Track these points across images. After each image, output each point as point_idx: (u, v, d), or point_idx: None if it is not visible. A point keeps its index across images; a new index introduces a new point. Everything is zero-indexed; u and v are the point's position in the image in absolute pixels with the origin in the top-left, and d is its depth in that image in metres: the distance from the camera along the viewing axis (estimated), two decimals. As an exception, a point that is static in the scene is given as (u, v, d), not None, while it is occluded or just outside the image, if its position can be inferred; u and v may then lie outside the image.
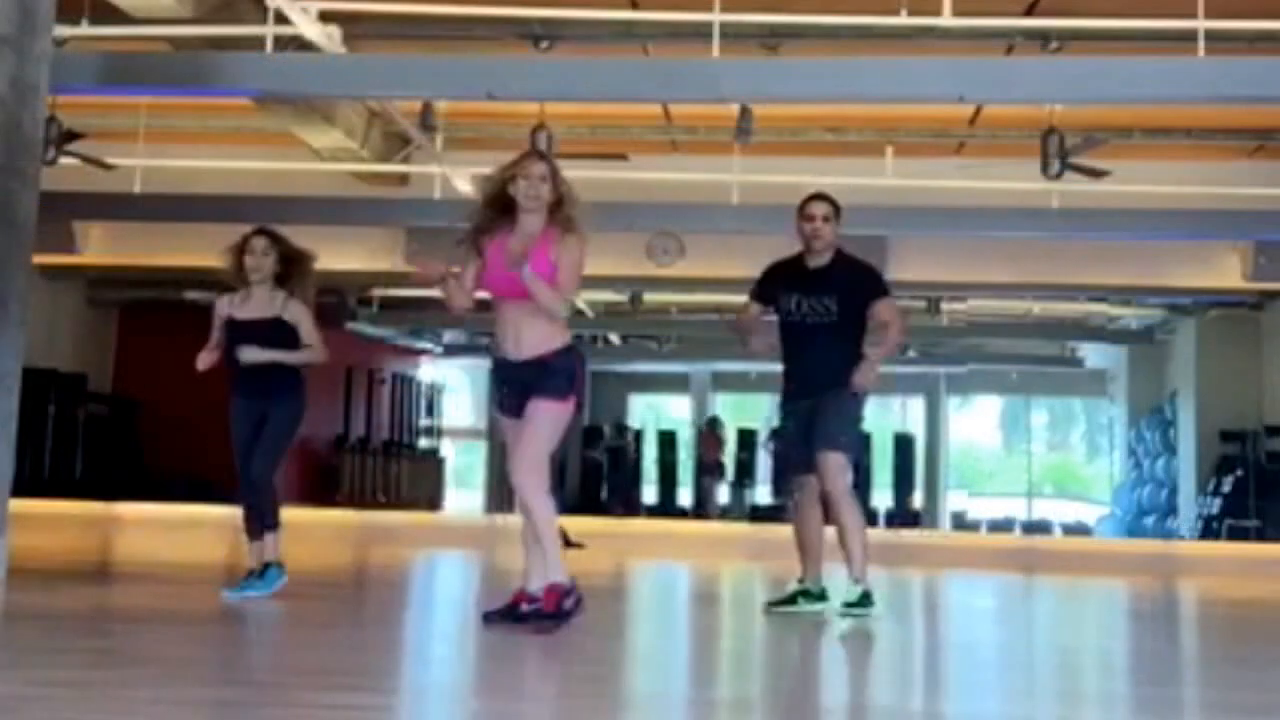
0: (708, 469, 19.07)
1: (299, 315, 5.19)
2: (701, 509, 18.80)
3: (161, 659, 3.70)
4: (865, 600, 5.10)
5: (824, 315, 5.19)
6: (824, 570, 5.33)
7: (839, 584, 5.26)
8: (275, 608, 5.04)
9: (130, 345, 14.65)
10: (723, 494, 19.24)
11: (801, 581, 5.30)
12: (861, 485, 19.36)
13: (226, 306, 5.23)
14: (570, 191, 4.40)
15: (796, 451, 5.31)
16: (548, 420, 4.24)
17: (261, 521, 5.17)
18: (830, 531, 5.33)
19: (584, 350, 20.74)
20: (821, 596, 5.27)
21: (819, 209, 5.22)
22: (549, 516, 4.26)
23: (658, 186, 10.11)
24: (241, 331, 5.15)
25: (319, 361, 5.24)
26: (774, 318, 5.38)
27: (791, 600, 5.29)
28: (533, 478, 4.21)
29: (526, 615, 4.37)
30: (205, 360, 5.17)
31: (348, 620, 5.05)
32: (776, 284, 5.32)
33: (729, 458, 19.44)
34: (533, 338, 4.32)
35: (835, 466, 5.14)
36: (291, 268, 5.23)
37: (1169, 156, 10.60)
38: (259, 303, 5.19)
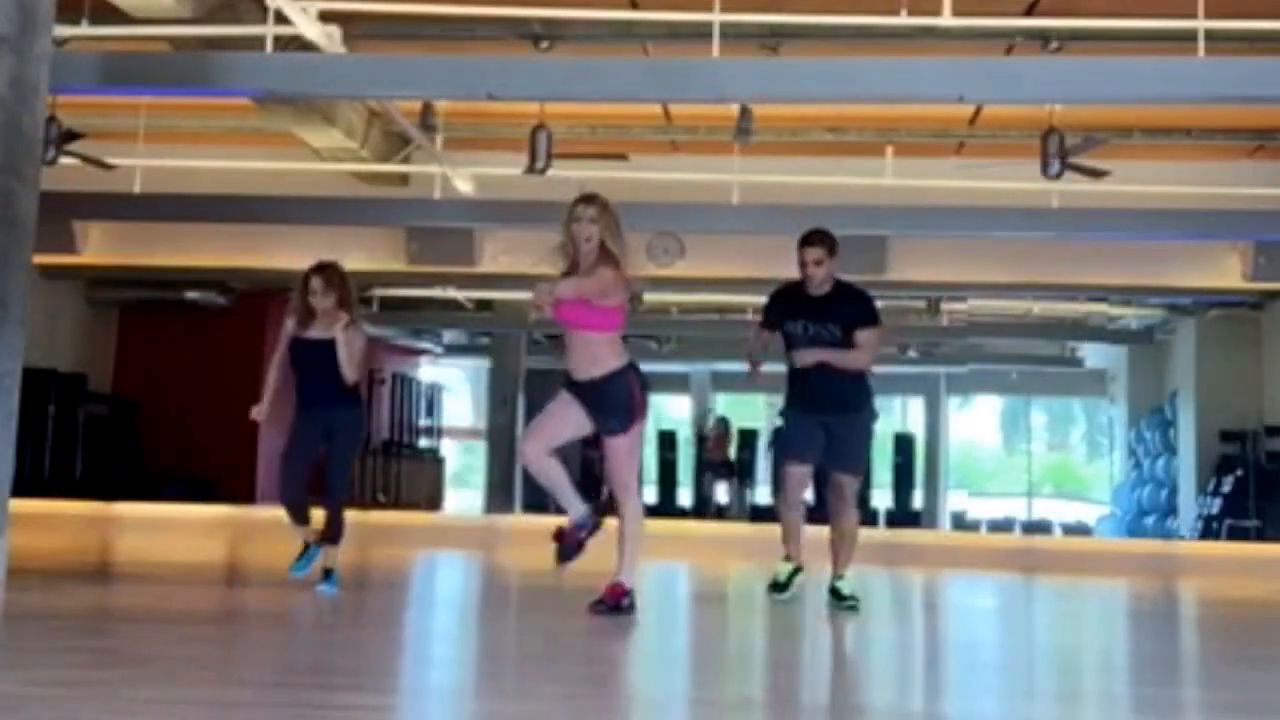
0: (714, 468, 19.05)
1: (349, 340, 5.62)
2: (705, 509, 18.77)
3: (161, 659, 3.71)
4: (855, 596, 5.53)
5: (829, 340, 5.58)
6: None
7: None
8: (275, 608, 5.04)
9: (130, 345, 14.62)
10: (722, 493, 19.21)
11: (790, 559, 5.74)
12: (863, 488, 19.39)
13: (294, 328, 5.68)
14: (613, 224, 4.89)
15: (797, 442, 5.70)
16: (624, 451, 4.99)
17: (331, 535, 5.62)
18: (810, 530, 5.84)
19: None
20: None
21: (811, 255, 5.61)
22: (637, 520, 5.06)
23: (658, 186, 10.10)
24: (307, 349, 5.63)
25: (353, 379, 5.69)
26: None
27: (790, 582, 5.69)
28: (628, 493, 5.04)
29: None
30: (270, 376, 5.74)
31: (348, 620, 5.05)
32: (782, 311, 5.71)
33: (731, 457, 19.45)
34: (590, 363, 4.87)
35: (853, 487, 5.70)
36: (346, 296, 5.70)
37: (1169, 156, 10.59)
38: (321, 326, 5.64)
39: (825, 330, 5.56)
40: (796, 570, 5.73)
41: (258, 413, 5.70)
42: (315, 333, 5.62)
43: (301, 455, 5.68)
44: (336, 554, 5.61)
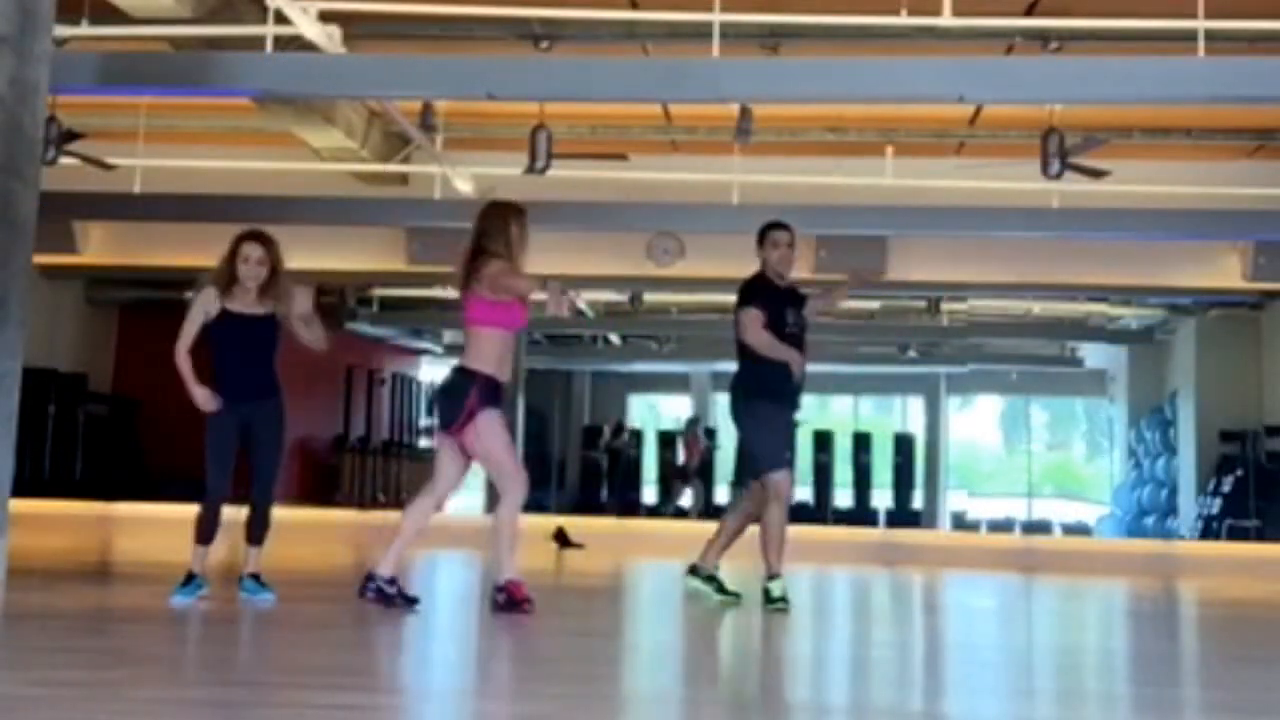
0: (681, 473, 18.80)
1: (301, 303, 5.30)
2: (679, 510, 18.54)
3: (161, 659, 3.71)
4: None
5: (804, 328, 5.76)
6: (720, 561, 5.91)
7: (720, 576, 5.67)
8: (275, 608, 5.04)
9: (130, 345, 14.62)
10: (687, 498, 18.89)
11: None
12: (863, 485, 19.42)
13: (214, 302, 5.22)
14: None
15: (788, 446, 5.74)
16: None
17: (259, 533, 5.30)
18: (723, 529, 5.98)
19: (583, 350, 20.29)
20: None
21: (785, 237, 5.81)
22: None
23: (658, 186, 10.10)
24: (239, 325, 5.19)
25: (321, 345, 5.40)
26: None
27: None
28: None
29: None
30: (186, 362, 5.26)
31: (348, 620, 5.04)
32: (772, 301, 5.76)
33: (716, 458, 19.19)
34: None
35: None
36: (278, 274, 5.29)
37: (1169, 156, 10.59)
38: (250, 300, 5.24)
39: (802, 318, 5.73)
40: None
41: (206, 400, 5.18)
42: (242, 307, 5.20)
43: (226, 455, 5.18)
44: (259, 555, 5.33)
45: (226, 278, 5.21)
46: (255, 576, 5.30)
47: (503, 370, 5.06)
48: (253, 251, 5.22)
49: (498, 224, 5.14)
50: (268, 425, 5.25)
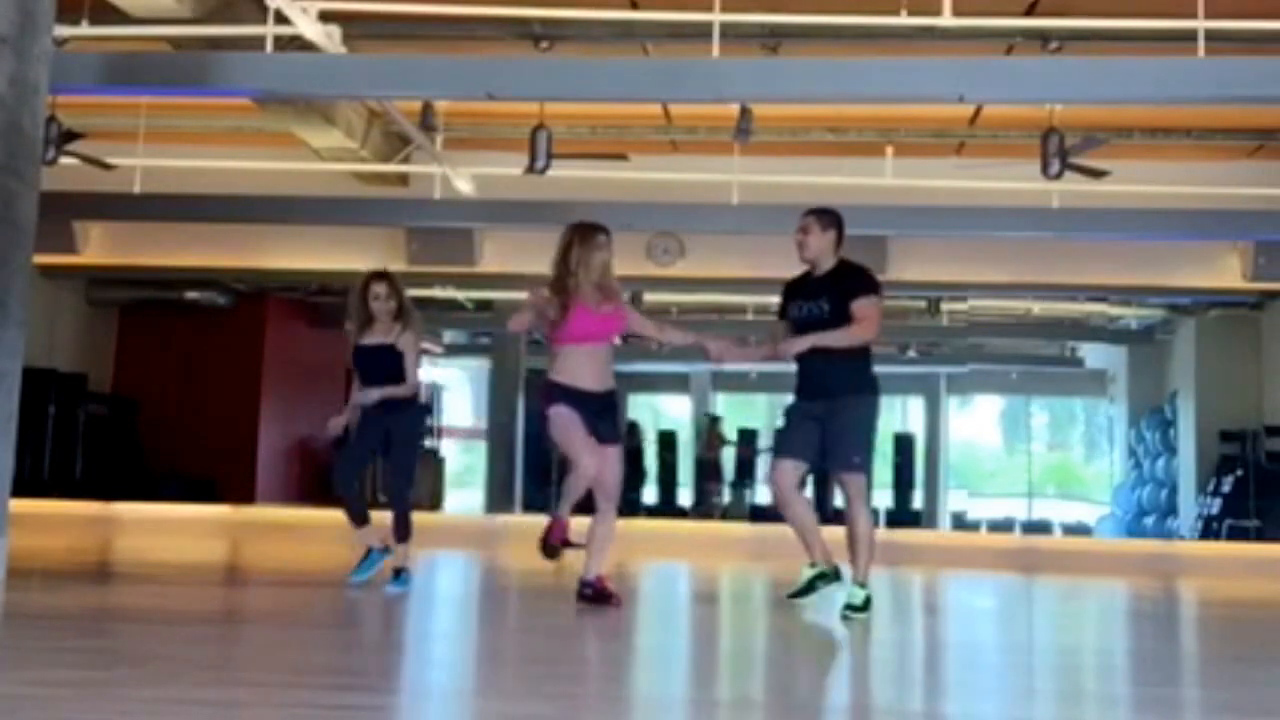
0: (710, 468, 18.99)
1: (407, 346, 5.95)
2: (699, 508, 18.72)
3: (161, 659, 3.70)
4: (867, 605, 5.26)
5: (818, 317, 5.39)
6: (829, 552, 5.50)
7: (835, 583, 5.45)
8: (275, 608, 5.04)
9: (130, 345, 14.61)
10: (724, 494, 19.12)
11: (814, 565, 5.46)
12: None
13: (355, 334, 6.00)
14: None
15: (785, 435, 5.61)
16: (619, 458, 5.46)
17: (397, 534, 5.97)
18: (828, 531, 5.55)
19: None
20: (836, 575, 5.47)
21: (799, 223, 5.58)
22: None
23: (658, 186, 10.10)
24: (365, 356, 5.97)
25: (409, 394, 6.02)
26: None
27: (810, 587, 5.43)
28: (615, 500, 5.51)
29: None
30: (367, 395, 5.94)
31: (348, 620, 5.04)
32: (787, 297, 5.61)
33: (728, 457, 19.37)
34: (607, 375, 5.34)
35: (856, 484, 5.37)
36: (404, 306, 6.00)
37: (1169, 156, 10.59)
38: (379, 332, 5.95)
39: (816, 308, 5.38)
40: (820, 575, 5.43)
41: (336, 425, 6.07)
42: (375, 338, 5.91)
43: (359, 455, 6.05)
44: (406, 552, 5.92)
45: (363, 317, 5.95)
46: (397, 571, 5.85)
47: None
48: (380, 289, 5.91)
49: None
50: (401, 436, 6.01)
